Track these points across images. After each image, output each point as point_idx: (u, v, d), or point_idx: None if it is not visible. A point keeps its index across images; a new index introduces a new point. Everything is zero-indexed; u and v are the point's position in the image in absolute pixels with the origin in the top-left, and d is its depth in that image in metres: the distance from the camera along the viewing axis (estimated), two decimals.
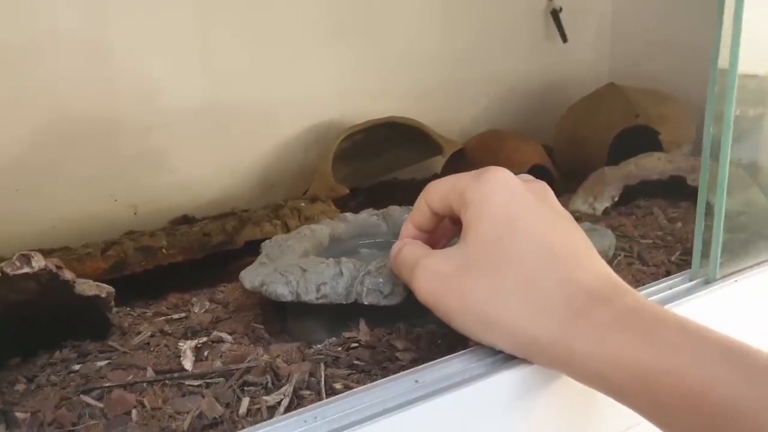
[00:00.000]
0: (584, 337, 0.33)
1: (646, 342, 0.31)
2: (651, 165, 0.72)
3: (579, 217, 0.68)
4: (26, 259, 0.39)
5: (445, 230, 0.44)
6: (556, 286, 0.35)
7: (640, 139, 0.82)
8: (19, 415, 0.38)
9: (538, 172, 0.80)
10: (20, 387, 0.41)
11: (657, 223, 0.66)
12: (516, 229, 0.36)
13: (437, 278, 0.37)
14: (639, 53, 1.05)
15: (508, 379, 0.36)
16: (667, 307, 0.43)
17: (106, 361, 0.43)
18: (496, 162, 0.39)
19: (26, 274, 0.39)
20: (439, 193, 0.40)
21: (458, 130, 0.95)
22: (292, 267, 0.44)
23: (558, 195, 0.40)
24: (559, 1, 1.04)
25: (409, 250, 0.40)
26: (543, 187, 0.40)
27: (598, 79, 1.01)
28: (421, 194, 0.42)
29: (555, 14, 1.04)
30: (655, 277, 0.51)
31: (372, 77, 0.91)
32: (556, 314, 0.34)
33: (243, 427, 0.34)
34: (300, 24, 0.84)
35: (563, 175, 0.87)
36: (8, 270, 0.38)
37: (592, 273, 0.36)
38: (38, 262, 0.40)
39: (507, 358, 0.36)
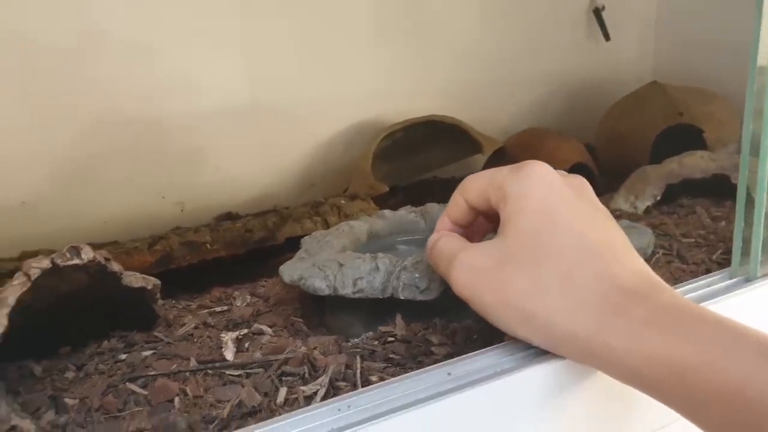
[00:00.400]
0: (621, 334, 0.33)
1: (682, 338, 0.31)
2: (694, 163, 0.71)
3: (620, 216, 0.67)
4: (76, 251, 0.41)
5: (480, 226, 0.43)
6: (593, 281, 0.34)
7: (685, 137, 0.81)
8: (68, 401, 0.39)
9: (579, 170, 0.79)
10: (70, 374, 0.43)
11: (700, 222, 0.65)
12: (555, 222, 0.36)
13: (474, 271, 0.37)
14: (682, 51, 1.04)
15: (540, 373, 0.36)
16: (705, 304, 0.43)
17: (152, 351, 0.45)
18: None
19: (76, 265, 0.41)
20: (476, 187, 0.40)
21: (498, 129, 0.95)
22: (330, 262, 0.45)
23: (599, 194, 0.40)
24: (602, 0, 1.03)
25: (446, 242, 0.40)
26: (581, 182, 0.40)
27: (641, 78, 1.00)
28: (458, 188, 0.42)
29: (597, 12, 1.03)
30: (695, 275, 0.50)
31: (411, 76, 0.91)
32: (593, 310, 0.34)
33: (280, 415, 0.34)
34: (340, 24, 0.85)
35: (605, 173, 0.86)
36: (59, 261, 0.40)
37: (629, 270, 0.35)
38: (87, 254, 0.41)
39: (539, 353, 0.37)
